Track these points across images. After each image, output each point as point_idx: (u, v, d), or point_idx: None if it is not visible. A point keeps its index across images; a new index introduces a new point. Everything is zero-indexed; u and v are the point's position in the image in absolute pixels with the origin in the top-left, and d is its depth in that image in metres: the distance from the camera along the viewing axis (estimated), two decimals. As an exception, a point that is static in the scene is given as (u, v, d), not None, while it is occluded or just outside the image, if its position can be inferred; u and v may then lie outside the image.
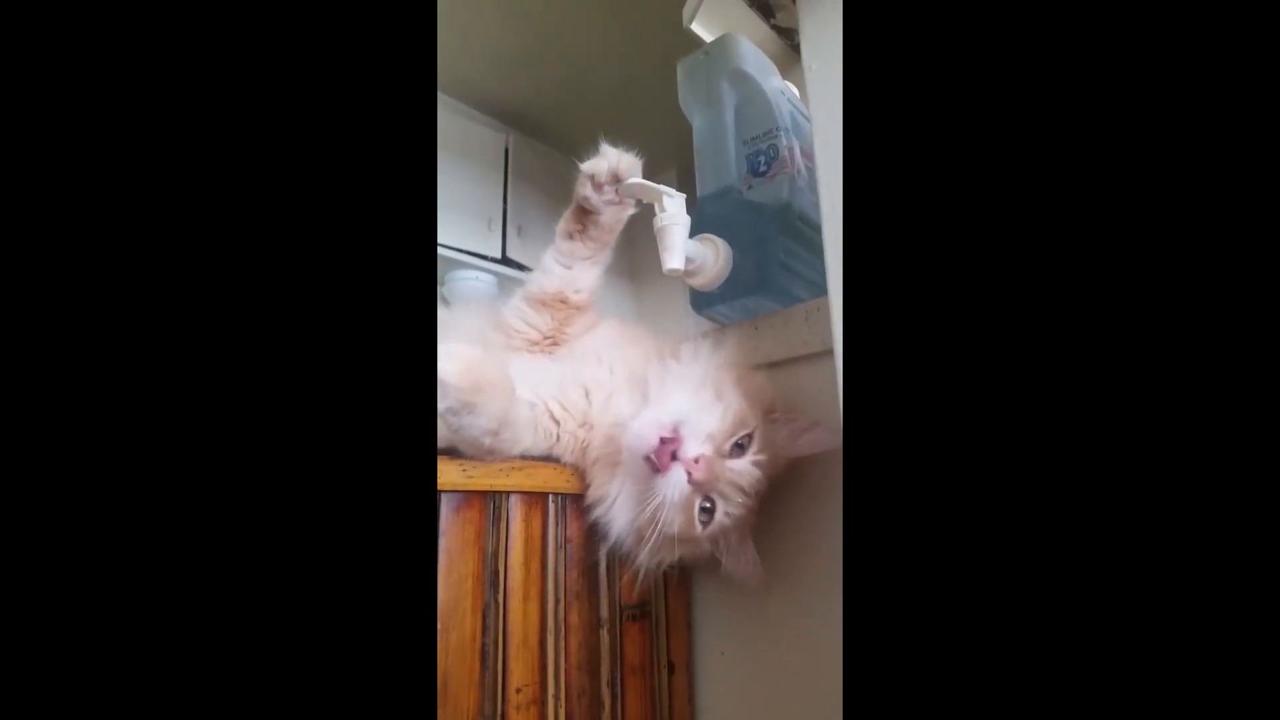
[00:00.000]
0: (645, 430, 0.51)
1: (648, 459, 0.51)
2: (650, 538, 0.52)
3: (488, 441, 0.51)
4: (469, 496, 0.52)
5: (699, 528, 0.52)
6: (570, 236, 0.64)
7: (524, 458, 0.56)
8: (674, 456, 0.51)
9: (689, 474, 0.50)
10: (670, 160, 1.51)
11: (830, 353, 0.50)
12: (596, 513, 0.57)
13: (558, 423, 0.58)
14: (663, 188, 0.59)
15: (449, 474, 0.51)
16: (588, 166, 0.59)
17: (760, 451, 0.54)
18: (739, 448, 0.54)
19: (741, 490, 0.53)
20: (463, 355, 0.47)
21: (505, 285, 1.90)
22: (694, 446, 0.51)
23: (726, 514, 0.53)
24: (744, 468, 0.53)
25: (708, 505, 0.52)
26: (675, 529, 0.51)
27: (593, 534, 0.59)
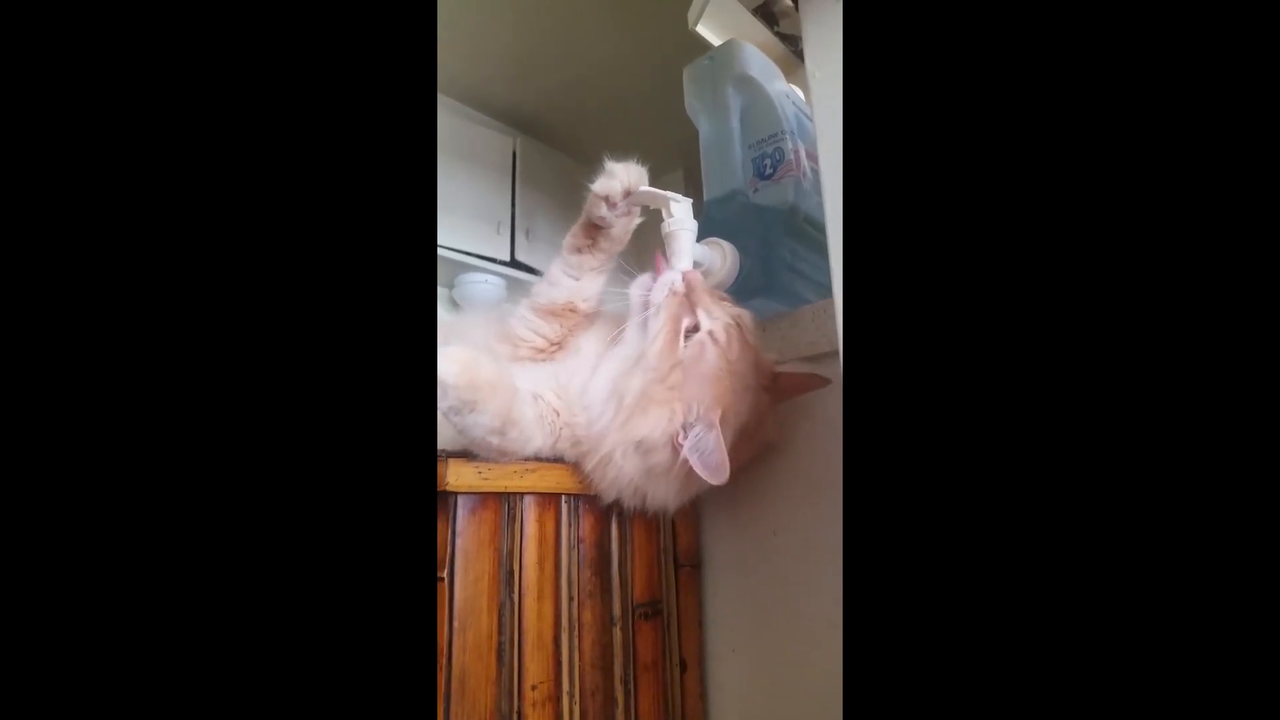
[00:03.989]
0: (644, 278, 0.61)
1: (651, 275, 0.60)
2: (637, 366, 0.56)
3: (496, 441, 0.52)
4: (484, 498, 0.54)
5: (681, 344, 0.56)
6: (579, 250, 0.64)
7: (537, 459, 0.57)
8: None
9: (682, 272, 0.59)
10: (677, 162, 1.52)
11: (837, 353, 0.51)
12: (594, 473, 0.58)
13: (557, 413, 0.59)
14: (670, 194, 0.60)
15: (465, 476, 0.52)
16: (599, 188, 0.59)
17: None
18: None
19: (726, 316, 0.57)
20: (459, 356, 0.49)
21: (514, 288, 1.91)
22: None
23: (710, 333, 0.56)
24: (729, 306, 0.59)
25: (692, 326, 0.57)
26: (659, 344, 0.56)
27: (604, 532, 0.60)
